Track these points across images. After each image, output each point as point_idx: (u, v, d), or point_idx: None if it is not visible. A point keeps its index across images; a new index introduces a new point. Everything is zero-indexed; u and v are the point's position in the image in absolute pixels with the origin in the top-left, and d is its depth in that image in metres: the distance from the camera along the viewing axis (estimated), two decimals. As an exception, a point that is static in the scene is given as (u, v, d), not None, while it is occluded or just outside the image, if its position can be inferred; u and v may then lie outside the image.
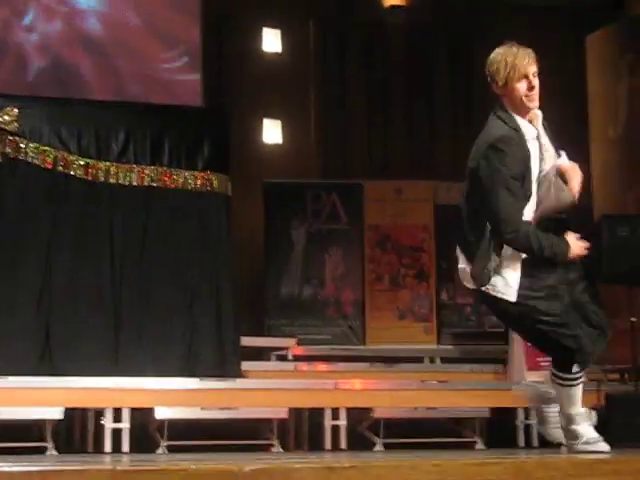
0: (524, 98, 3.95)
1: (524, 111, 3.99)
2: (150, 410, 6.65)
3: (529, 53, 3.98)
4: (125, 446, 6.54)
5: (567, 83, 9.98)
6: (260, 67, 10.13)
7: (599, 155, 9.90)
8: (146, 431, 6.81)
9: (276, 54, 10.24)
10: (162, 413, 6.62)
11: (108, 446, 6.51)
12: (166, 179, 7.39)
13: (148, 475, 2.13)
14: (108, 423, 6.56)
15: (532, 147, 3.99)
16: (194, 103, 8.48)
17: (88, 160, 7.23)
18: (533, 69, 3.97)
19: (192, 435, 6.69)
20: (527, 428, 7.44)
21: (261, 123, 10.12)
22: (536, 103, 4.01)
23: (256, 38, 10.17)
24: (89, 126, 7.30)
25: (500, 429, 7.44)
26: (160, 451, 6.57)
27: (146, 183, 7.34)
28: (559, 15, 10.21)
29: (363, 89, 10.64)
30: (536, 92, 3.98)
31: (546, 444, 7.24)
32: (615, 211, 8.69)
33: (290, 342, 8.51)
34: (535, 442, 7.36)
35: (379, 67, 10.66)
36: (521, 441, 7.38)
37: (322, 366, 8.07)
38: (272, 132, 10.12)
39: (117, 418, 6.59)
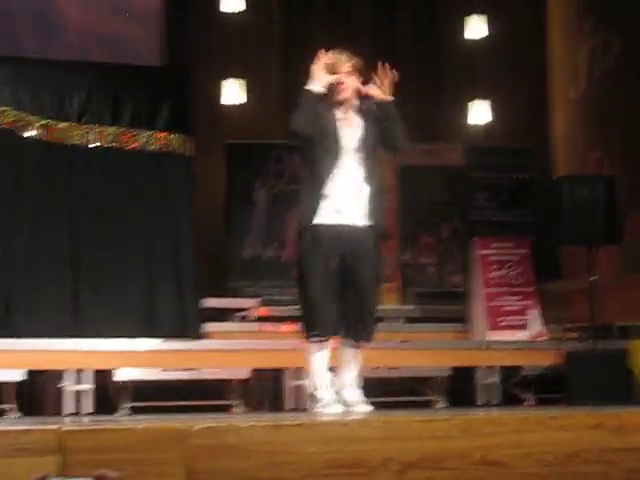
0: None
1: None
2: (111, 372, 6.64)
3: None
4: (87, 408, 6.54)
5: (526, 44, 9.97)
6: (223, 26, 10.04)
7: (560, 117, 9.93)
8: (108, 393, 6.81)
9: (239, 13, 10.16)
10: (123, 374, 6.61)
11: (71, 408, 6.51)
12: (126, 140, 7.30)
13: (94, 435, 2.12)
14: (69, 385, 6.55)
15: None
16: (155, 62, 8.39)
17: (47, 120, 7.14)
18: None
19: (157, 396, 6.69)
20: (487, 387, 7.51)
21: (224, 83, 10.05)
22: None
23: (219, -4, 10.09)
24: (47, 86, 7.18)
25: (460, 388, 7.50)
26: (122, 413, 6.57)
27: (106, 144, 7.25)
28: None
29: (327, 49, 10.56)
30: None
31: (508, 403, 7.37)
32: (575, 172, 8.74)
33: (253, 303, 8.49)
34: (495, 400, 7.44)
35: (343, 24, 10.59)
36: (481, 399, 7.45)
37: (285, 327, 8.06)
38: (235, 92, 10.06)
39: (78, 380, 6.58)
